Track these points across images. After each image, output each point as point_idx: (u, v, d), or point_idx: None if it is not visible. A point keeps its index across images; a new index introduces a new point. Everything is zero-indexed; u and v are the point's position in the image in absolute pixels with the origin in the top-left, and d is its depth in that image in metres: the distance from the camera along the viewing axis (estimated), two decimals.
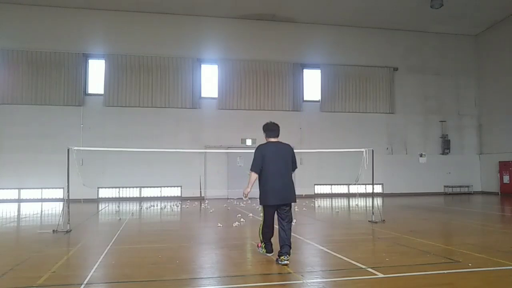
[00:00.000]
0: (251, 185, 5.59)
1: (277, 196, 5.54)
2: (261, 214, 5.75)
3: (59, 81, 17.83)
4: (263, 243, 5.96)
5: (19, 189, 17.45)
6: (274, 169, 5.54)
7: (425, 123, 21.15)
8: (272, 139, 5.80)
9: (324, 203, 16.52)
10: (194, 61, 19.05)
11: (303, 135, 19.61)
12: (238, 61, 19.40)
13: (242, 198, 16.37)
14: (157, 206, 15.13)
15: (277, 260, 5.46)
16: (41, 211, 13.63)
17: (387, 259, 5.68)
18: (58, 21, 17.98)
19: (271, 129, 5.82)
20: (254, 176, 5.56)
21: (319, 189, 19.89)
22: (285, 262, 5.30)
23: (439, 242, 7.06)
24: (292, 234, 5.74)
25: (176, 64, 18.84)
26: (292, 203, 5.80)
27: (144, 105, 18.42)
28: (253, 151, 5.76)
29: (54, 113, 17.66)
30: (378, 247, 7.02)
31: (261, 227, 5.85)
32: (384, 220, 9.82)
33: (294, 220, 9.87)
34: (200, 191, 18.46)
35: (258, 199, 5.58)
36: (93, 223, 10.93)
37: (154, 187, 18.33)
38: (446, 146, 20.98)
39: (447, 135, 21.16)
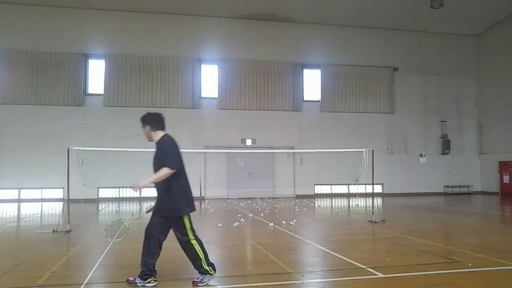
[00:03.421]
0: (154, 181, 4.39)
1: (192, 200, 4.64)
2: (188, 229, 4.49)
3: (59, 81, 17.82)
4: (209, 267, 4.56)
5: (19, 189, 17.44)
6: (184, 168, 4.65)
7: (425, 123, 21.14)
8: (165, 132, 4.72)
9: (324, 203, 16.52)
10: (194, 61, 19.05)
11: (303, 135, 19.60)
12: (238, 61, 19.40)
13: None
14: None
15: (196, 283, 4.54)
16: (41, 211, 13.63)
17: (387, 259, 5.67)
18: (58, 21, 17.98)
19: (162, 119, 4.76)
20: (170, 173, 4.37)
21: (319, 189, 19.88)
22: (155, 283, 4.51)
23: (439, 242, 7.05)
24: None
25: (176, 64, 18.84)
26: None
27: (144, 105, 18.40)
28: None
29: (54, 113, 17.65)
30: (378, 247, 7.02)
31: (199, 247, 4.52)
32: (384, 220, 9.82)
33: (294, 220, 9.93)
34: (200, 191, 18.45)
35: (175, 207, 4.42)
36: (93, 223, 10.93)
37: (154, 187, 18.27)
38: (446, 146, 20.98)
39: (447, 135, 21.15)
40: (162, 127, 4.69)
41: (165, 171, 4.32)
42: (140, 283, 4.45)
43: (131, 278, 4.51)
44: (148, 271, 4.45)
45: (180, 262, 5.68)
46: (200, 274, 4.55)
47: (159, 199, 4.48)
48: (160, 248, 4.60)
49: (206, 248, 4.64)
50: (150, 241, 4.51)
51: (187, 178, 4.64)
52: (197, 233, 4.63)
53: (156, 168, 4.45)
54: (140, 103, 18.37)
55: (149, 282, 4.45)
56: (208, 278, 4.53)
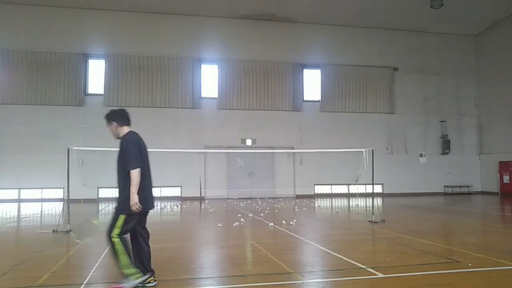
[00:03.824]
0: (135, 189, 4.26)
1: (152, 198, 4.60)
2: (117, 226, 4.27)
3: (59, 81, 17.83)
4: (136, 270, 4.32)
5: (19, 189, 17.45)
6: (148, 167, 4.57)
7: (425, 123, 21.14)
8: (130, 128, 4.65)
9: (324, 203, 16.52)
10: (194, 61, 19.05)
11: (303, 135, 19.61)
12: (238, 61, 19.40)
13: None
14: (157, 206, 15.09)
15: (143, 283, 4.38)
16: (41, 211, 13.63)
17: (387, 259, 5.67)
18: (58, 21, 17.98)
19: (127, 115, 4.68)
20: (138, 172, 4.30)
21: (319, 189, 19.88)
22: (155, 283, 4.48)
23: (439, 242, 7.05)
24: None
25: (176, 64, 18.84)
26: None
27: (144, 105, 18.42)
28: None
29: (54, 113, 17.65)
30: (378, 247, 7.02)
31: (122, 250, 4.25)
32: (384, 220, 9.82)
33: (294, 220, 9.93)
34: (200, 191, 18.45)
35: (125, 206, 4.29)
36: (93, 223, 10.91)
37: (154, 187, 18.27)
38: (446, 146, 20.98)
39: (447, 135, 21.15)
40: (128, 123, 4.63)
41: (134, 175, 4.25)
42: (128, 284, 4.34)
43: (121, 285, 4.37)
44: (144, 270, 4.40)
45: (180, 262, 5.69)
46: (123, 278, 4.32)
47: (118, 197, 4.40)
48: (146, 242, 4.54)
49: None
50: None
51: (148, 176, 4.54)
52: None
53: (119, 167, 4.42)
54: (140, 103, 18.37)
55: (148, 282, 4.43)
56: (131, 283, 4.24)
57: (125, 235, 4.33)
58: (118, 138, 4.62)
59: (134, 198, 4.20)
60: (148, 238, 4.58)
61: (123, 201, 4.27)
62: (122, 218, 4.28)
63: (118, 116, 4.63)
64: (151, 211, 4.69)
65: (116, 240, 4.22)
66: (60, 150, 10.07)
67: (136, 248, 4.46)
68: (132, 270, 4.27)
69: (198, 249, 6.88)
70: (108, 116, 4.65)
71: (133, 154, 4.33)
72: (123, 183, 4.34)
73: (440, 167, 20.86)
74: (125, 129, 4.58)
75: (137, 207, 4.21)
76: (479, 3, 18.18)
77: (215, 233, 8.69)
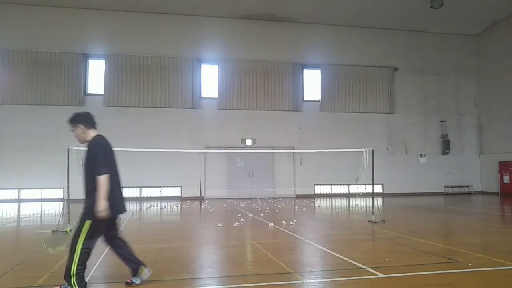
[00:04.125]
0: (103, 196, 4.10)
1: (122, 202, 4.46)
2: (80, 236, 4.12)
3: (59, 81, 17.83)
4: (75, 282, 4.08)
5: (19, 189, 17.45)
6: (116, 169, 4.46)
7: (425, 123, 21.14)
8: (97, 131, 4.50)
9: (324, 203, 16.52)
10: (194, 61, 19.05)
11: (303, 135, 19.61)
12: (238, 61, 19.40)
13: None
14: (157, 206, 15.13)
15: (130, 283, 4.43)
16: (41, 211, 13.63)
17: (387, 259, 5.67)
18: (58, 21, 17.98)
19: (92, 118, 4.51)
20: (106, 178, 4.13)
21: (319, 189, 19.88)
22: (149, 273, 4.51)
23: (439, 242, 7.05)
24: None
25: (176, 64, 18.84)
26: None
27: (144, 105, 18.42)
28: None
29: (54, 113, 17.62)
30: (378, 247, 7.01)
31: (78, 256, 4.08)
32: (384, 220, 9.82)
33: (294, 220, 9.93)
34: (200, 191, 18.45)
35: (92, 212, 4.10)
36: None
37: (154, 187, 18.34)
38: (446, 146, 20.98)
39: (447, 135, 21.15)
40: (94, 126, 4.48)
41: (102, 181, 4.11)
42: (137, 279, 4.45)
43: (129, 280, 4.47)
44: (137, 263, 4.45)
45: (180, 262, 5.69)
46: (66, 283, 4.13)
47: (86, 203, 4.23)
48: (123, 241, 4.51)
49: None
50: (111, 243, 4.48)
51: (117, 181, 4.39)
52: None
53: (87, 172, 4.24)
54: (140, 103, 18.37)
55: (144, 274, 4.44)
56: None
57: (91, 248, 4.19)
58: (84, 142, 4.43)
59: (102, 205, 4.06)
60: (125, 242, 4.51)
61: (90, 207, 4.12)
62: (87, 224, 4.13)
63: (84, 119, 4.43)
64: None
65: (79, 246, 4.09)
66: (60, 150, 10.06)
67: (119, 251, 4.44)
68: (77, 281, 4.08)
69: (198, 249, 6.88)
70: (74, 119, 4.41)
71: (101, 160, 4.17)
72: (91, 189, 4.17)
73: (440, 167, 20.86)
74: (92, 132, 4.40)
75: (104, 213, 4.08)
76: (479, 3, 18.18)
77: (215, 233, 8.69)
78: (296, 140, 19.52)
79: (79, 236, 4.12)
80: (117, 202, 4.31)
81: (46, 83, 17.72)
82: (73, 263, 4.07)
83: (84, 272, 4.17)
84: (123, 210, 4.45)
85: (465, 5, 18.27)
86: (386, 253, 6.15)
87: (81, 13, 18.11)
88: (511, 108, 19.52)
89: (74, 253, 4.09)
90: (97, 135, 4.40)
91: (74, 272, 4.06)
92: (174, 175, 18.25)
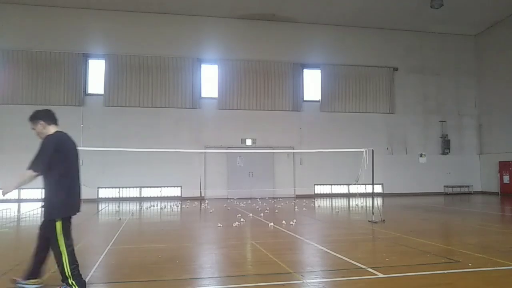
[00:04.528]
0: (18, 185, 4.17)
1: (78, 203, 4.38)
2: (58, 239, 4.09)
3: (59, 81, 17.83)
4: (73, 282, 4.07)
5: (19, 189, 17.42)
6: (77, 168, 4.38)
7: (425, 123, 21.14)
8: (58, 128, 4.43)
9: (324, 203, 16.52)
10: (194, 61, 19.05)
11: (303, 135, 19.61)
12: (238, 61, 19.40)
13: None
14: (157, 206, 15.13)
15: (17, 282, 4.24)
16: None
17: (387, 259, 5.67)
18: (58, 21, 17.98)
19: (53, 114, 4.51)
20: (32, 176, 4.13)
21: (319, 189, 19.88)
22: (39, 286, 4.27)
23: (439, 242, 7.05)
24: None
25: (176, 64, 18.84)
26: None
27: (144, 105, 18.41)
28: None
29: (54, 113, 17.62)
30: (378, 247, 7.02)
31: (66, 257, 4.07)
32: (384, 220, 9.82)
33: (294, 220, 9.92)
34: (200, 191, 18.45)
35: (53, 210, 4.16)
36: (93, 223, 10.93)
37: (154, 187, 18.33)
38: (446, 146, 20.98)
39: (447, 135, 21.16)
40: (55, 122, 4.42)
41: (27, 174, 4.02)
42: (22, 283, 4.23)
43: (16, 279, 4.28)
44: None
45: (180, 262, 5.69)
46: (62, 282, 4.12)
47: (46, 204, 4.20)
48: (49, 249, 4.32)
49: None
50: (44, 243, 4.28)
51: (77, 180, 4.34)
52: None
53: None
54: (140, 103, 18.37)
55: (29, 285, 4.22)
56: None
57: (72, 243, 4.18)
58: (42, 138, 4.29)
59: (9, 188, 4.03)
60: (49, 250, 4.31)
61: (52, 207, 4.09)
62: (58, 224, 4.08)
63: (44, 115, 4.42)
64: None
65: (62, 248, 4.07)
66: None
67: (40, 253, 4.28)
68: (73, 279, 4.08)
69: (198, 249, 6.87)
70: (34, 116, 4.38)
71: (43, 158, 4.07)
72: (48, 187, 4.15)
73: (440, 167, 20.86)
74: (51, 129, 4.34)
75: (6, 191, 4.03)
76: (479, 3, 18.17)
77: (215, 233, 8.69)
78: (296, 140, 19.53)
79: (57, 239, 4.07)
80: (74, 203, 4.25)
81: (46, 83, 17.72)
82: (65, 265, 4.04)
83: (78, 268, 4.14)
84: (77, 210, 4.34)
85: (465, 5, 18.26)
86: (386, 253, 6.15)
87: (81, 13, 18.10)
88: (511, 108, 19.52)
89: (61, 257, 4.05)
90: (57, 132, 4.30)
91: (69, 273, 4.05)
92: (174, 175, 18.25)
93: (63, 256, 4.04)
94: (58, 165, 4.14)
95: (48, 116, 4.41)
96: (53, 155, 4.10)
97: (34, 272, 4.27)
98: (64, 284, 4.10)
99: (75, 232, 8.64)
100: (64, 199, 4.14)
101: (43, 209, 4.20)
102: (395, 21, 19.94)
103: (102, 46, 18.42)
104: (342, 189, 19.88)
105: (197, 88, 19.11)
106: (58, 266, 4.09)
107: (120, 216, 11.62)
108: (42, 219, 4.25)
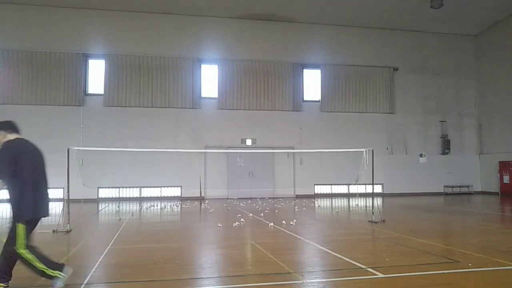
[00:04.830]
0: None
1: (46, 206, 4.50)
2: (23, 243, 4.17)
3: (59, 81, 17.82)
4: (56, 271, 4.24)
5: None
6: (42, 172, 4.55)
7: (425, 123, 21.14)
8: (19, 136, 4.58)
9: (324, 203, 16.52)
10: (194, 61, 19.05)
11: (303, 135, 19.60)
12: (238, 61, 19.40)
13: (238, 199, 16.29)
14: (157, 206, 15.13)
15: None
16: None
17: (387, 259, 5.68)
18: (58, 21, 17.98)
19: (14, 124, 4.64)
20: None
21: (319, 189, 19.88)
22: None
23: (439, 242, 7.06)
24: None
25: (176, 64, 18.84)
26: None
27: (144, 105, 18.41)
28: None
29: (54, 113, 17.64)
30: (378, 247, 7.02)
31: (34, 257, 4.18)
32: (384, 220, 9.82)
33: (294, 220, 9.92)
34: (200, 191, 18.45)
35: (18, 213, 4.22)
36: (93, 223, 10.93)
37: (154, 187, 18.33)
38: (446, 146, 20.98)
39: (447, 135, 21.16)
40: (16, 131, 4.56)
41: None
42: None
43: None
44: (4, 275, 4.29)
45: (180, 262, 5.69)
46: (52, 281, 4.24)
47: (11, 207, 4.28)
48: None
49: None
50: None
51: (44, 184, 4.46)
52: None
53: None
54: (140, 103, 18.36)
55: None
56: (59, 282, 4.22)
57: (33, 244, 4.28)
58: None
59: None
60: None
61: (16, 210, 4.19)
62: (21, 227, 4.18)
63: (6, 126, 4.55)
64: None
65: (23, 251, 4.13)
66: (60, 150, 10.06)
67: (15, 255, 4.26)
68: (53, 271, 4.22)
69: (198, 249, 6.88)
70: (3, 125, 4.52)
71: (3, 162, 4.16)
72: (12, 191, 4.23)
73: (440, 167, 20.85)
74: (11, 136, 4.47)
75: None
76: (479, 3, 18.18)
77: (215, 233, 8.69)
78: (296, 140, 19.52)
79: (16, 243, 4.13)
80: (40, 205, 4.35)
81: (46, 83, 17.71)
82: (35, 266, 4.15)
83: (46, 257, 4.25)
84: (45, 214, 4.47)
85: (465, 5, 18.27)
86: (386, 253, 6.15)
87: (81, 13, 18.10)
88: (511, 108, 19.52)
89: (29, 261, 4.14)
90: (16, 138, 4.45)
91: (43, 267, 4.16)
92: (174, 175, 18.25)
93: (30, 260, 4.14)
94: (20, 171, 4.23)
95: (9, 126, 4.56)
96: (12, 160, 4.20)
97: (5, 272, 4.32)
98: (49, 279, 4.19)
99: (75, 232, 8.66)
100: (26, 203, 4.23)
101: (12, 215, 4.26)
102: (395, 21, 19.95)
103: (102, 46, 18.42)
104: (342, 189, 19.88)
105: (197, 88, 19.11)
106: (31, 270, 4.18)
107: (120, 216, 11.62)
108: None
